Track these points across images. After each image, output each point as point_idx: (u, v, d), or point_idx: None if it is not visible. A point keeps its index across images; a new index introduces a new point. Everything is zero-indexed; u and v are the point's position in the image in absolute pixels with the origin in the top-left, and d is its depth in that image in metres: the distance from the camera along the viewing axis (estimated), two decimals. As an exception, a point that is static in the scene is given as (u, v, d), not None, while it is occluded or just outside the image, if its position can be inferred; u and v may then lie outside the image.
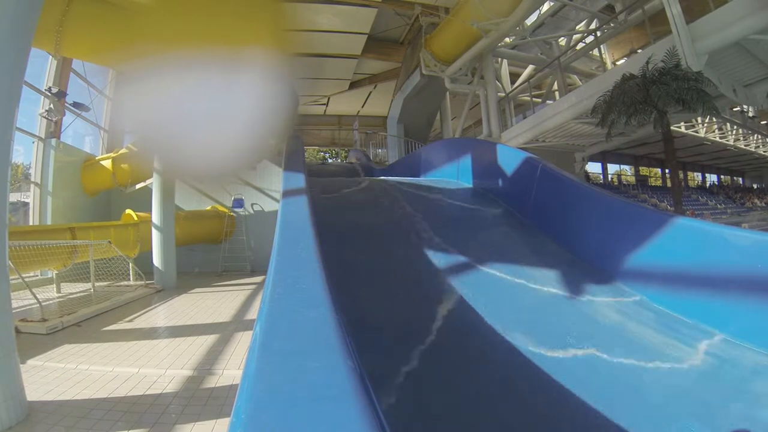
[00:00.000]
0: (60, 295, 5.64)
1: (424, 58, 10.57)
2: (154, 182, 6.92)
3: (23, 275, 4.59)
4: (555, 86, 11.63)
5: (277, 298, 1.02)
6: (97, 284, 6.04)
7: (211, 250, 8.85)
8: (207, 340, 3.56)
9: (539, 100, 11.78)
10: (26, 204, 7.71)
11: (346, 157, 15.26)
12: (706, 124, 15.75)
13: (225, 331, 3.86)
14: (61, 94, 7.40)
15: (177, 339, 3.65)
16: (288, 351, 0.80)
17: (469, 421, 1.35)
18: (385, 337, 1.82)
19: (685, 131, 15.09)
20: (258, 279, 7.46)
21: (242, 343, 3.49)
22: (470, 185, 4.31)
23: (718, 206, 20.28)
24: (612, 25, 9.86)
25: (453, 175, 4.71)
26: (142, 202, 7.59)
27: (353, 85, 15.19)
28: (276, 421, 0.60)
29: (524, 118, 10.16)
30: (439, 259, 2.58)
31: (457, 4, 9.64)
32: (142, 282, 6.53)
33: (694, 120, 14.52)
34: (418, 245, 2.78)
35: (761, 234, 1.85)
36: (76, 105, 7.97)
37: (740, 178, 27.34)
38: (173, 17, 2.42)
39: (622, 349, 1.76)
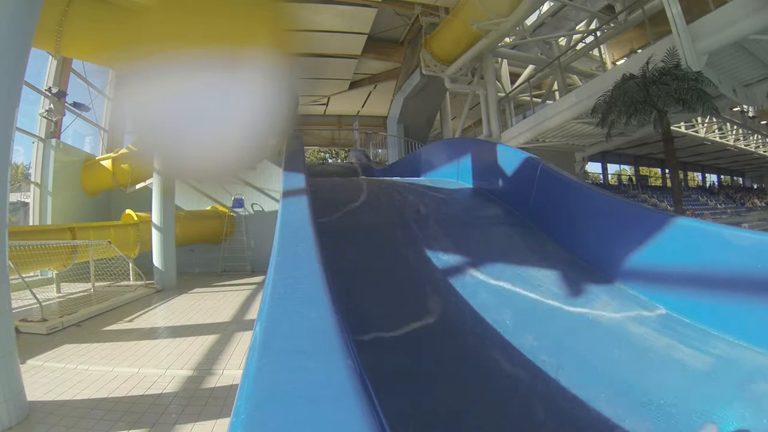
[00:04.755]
0: (60, 295, 5.64)
1: (424, 58, 10.57)
2: (154, 182, 6.92)
3: (23, 275, 4.59)
4: (555, 86, 11.63)
5: (277, 298, 1.02)
6: (97, 284, 6.04)
7: (211, 250, 8.85)
8: (207, 340, 3.56)
9: (539, 100, 11.78)
10: (26, 204, 7.71)
11: (345, 157, 15.26)
12: (706, 124, 15.74)
13: (225, 331, 3.86)
14: (61, 94, 7.41)
15: (177, 339, 3.65)
16: (288, 351, 0.80)
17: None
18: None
19: (685, 131, 15.09)
20: (258, 279, 7.46)
21: (242, 343, 3.49)
22: (470, 185, 4.31)
23: (718, 206, 20.28)
24: (612, 25, 9.86)
25: (453, 175, 4.71)
26: (142, 202, 7.59)
27: (353, 85, 15.19)
28: (276, 421, 0.60)
29: (524, 118, 10.15)
30: (438, 259, 2.58)
31: (457, 4, 9.64)
32: (142, 282, 6.53)
33: (694, 120, 14.51)
34: (418, 245, 2.78)
35: (761, 234, 1.84)
36: (76, 105, 7.97)
37: (740, 178, 27.35)
38: (173, 17, 2.42)
39: (622, 349, 1.76)
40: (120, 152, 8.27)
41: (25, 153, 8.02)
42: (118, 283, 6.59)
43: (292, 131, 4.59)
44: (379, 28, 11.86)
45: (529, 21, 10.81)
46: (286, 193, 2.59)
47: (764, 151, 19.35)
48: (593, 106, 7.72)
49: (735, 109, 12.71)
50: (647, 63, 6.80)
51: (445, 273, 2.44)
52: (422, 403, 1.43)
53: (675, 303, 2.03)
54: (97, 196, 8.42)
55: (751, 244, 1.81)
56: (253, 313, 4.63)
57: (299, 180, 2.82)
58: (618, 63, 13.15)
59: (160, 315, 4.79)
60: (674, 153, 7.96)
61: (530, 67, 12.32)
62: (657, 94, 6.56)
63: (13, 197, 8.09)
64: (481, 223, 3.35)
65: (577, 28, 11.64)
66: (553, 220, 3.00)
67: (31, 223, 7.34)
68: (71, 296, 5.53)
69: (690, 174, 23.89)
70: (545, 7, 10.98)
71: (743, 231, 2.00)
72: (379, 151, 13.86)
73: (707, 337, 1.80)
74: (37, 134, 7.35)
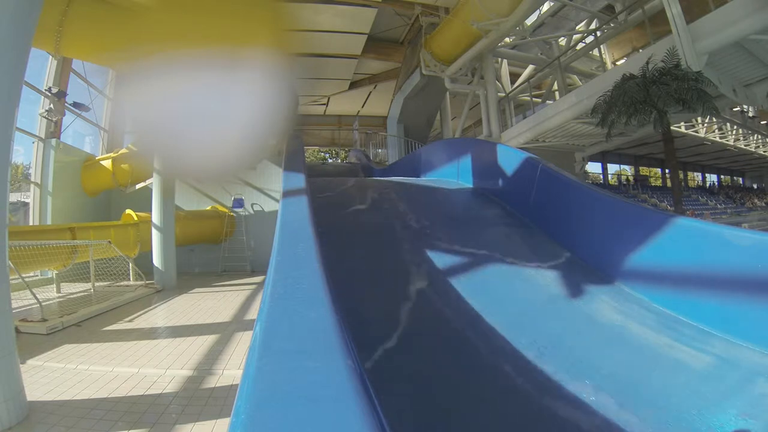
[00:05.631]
0: (60, 295, 5.64)
1: (424, 58, 10.57)
2: (154, 182, 6.92)
3: (23, 275, 4.59)
4: (555, 86, 11.63)
5: (277, 298, 1.02)
6: (97, 284, 6.04)
7: (211, 250, 8.85)
8: (207, 340, 3.56)
9: (539, 100, 11.78)
10: (26, 204, 7.71)
11: (345, 157, 15.28)
12: (706, 124, 15.74)
13: (225, 331, 3.86)
14: (61, 94, 7.41)
15: (177, 339, 3.65)
16: (288, 351, 0.80)
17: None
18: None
19: (685, 131, 15.08)
20: (258, 279, 7.46)
21: (242, 343, 3.49)
22: (470, 185, 4.31)
23: (718, 206, 20.29)
24: (612, 25, 9.86)
25: (453, 175, 4.71)
26: (142, 202, 7.60)
27: (353, 85, 15.19)
28: (276, 421, 0.60)
29: (524, 118, 10.16)
30: (438, 259, 2.57)
31: (457, 4, 9.64)
32: (142, 282, 6.53)
33: (694, 120, 14.50)
34: (419, 245, 2.78)
35: (761, 234, 1.84)
36: (76, 105, 7.97)
37: (740, 178, 27.35)
38: (173, 17, 2.42)
39: (623, 350, 1.76)
40: (120, 152, 8.27)
41: (25, 153, 8.04)
42: (118, 283, 6.59)
43: (292, 131, 4.59)
44: (379, 28, 11.85)
45: (529, 21, 10.81)
46: (286, 193, 2.59)
47: (764, 151, 19.35)
48: (593, 106, 7.71)
49: (735, 109, 12.71)
50: (647, 63, 6.79)
51: (441, 270, 2.44)
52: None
53: (675, 303, 2.03)
54: (97, 196, 8.42)
55: (751, 244, 1.81)
56: (253, 313, 4.63)
57: (299, 180, 2.82)
58: (618, 63, 13.15)
59: (160, 315, 4.79)
60: (674, 153, 7.96)
61: (530, 67, 12.31)
62: (657, 94, 6.56)
63: (13, 197, 8.09)
64: (480, 223, 3.35)
65: (577, 28, 11.64)
66: (553, 220, 3.00)
67: (31, 223, 7.34)
68: (71, 296, 5.53)
69: (690, 174, 23.89)
70: (545, 7, 10.97)
71: (743, 231, 2.00)
72: (379, 151, 13.86)
73: (707, 336, 1.81)
74: (37, 134, 7.35)
